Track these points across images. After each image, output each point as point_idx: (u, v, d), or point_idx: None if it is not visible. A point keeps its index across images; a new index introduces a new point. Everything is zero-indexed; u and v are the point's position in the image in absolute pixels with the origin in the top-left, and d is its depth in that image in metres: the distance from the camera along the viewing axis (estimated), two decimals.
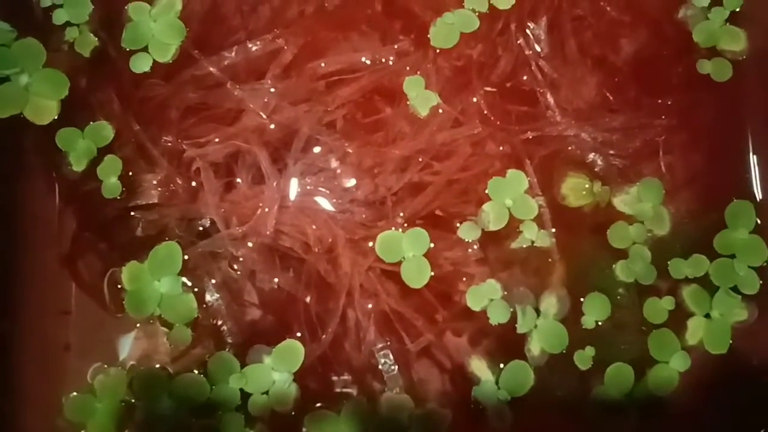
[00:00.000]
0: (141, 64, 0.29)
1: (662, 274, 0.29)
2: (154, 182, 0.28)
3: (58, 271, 0.28)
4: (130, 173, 0.28)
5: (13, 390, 0.27)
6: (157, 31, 0.29)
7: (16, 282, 0.28)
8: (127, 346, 0.27)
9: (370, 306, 0.28)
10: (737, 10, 0.32)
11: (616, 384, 0.28)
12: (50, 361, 0.27)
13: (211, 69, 0.28)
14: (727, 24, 0.32)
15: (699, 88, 0.31)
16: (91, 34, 0.30)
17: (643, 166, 0.31)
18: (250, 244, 0.28)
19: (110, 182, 0.28)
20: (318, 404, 0.27)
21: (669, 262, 0.29)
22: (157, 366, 0.27)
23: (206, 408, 0.26)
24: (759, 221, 0.30)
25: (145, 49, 0.30)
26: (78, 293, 0.28)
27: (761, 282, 0.29)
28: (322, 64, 0.29)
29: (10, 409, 0.27)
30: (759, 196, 0.30)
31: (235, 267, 0.28)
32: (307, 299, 0.28)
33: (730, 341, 0.29)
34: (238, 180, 0.28)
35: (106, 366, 0.27)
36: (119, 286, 0.27)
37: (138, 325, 0.27)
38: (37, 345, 0.28)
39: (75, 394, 0.27)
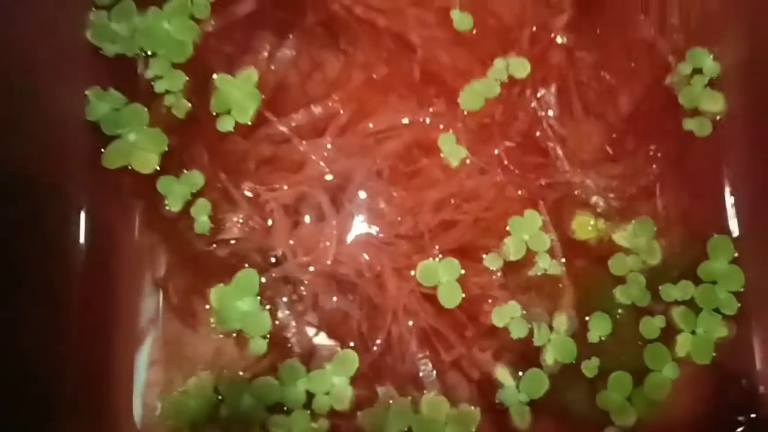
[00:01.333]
0: (226, 125, 0.33)
1: (655, 297, 0.33)
2: (236, 221, 0.32)
3: (154, 294, 0.32)
4: (217, 213, 0.32)
5: (117, 390, 0.31)
6: (238, 98, 0.33)
7: (117, 304, 0.32)
8: (213, 356, 0.31)
9: (411, 323, 0.32)
10: (715, 77, 0.35)
11: (617, 389, 0.31)
12: (148, 371, 0.31)
13: (282, 128, 0.33)
14: (707, 88, 0.35)
15: (684, 142, 0.35)
16: (185, 100, 0.33)
17: (638, 207, 0.34)
18: (313, 270, 0.32)
19: (201, 220, 0.32)
20: (369, 403, 0.31)
21: (660, 287, 0.33)
22: (239, 372, 0.31)
23: (278, 406, 0.31)
24: (737, 254, 0.33)
25: (229, 113, 0.34)
26: (168, 313, 0.32)
27: (739, 304, 0.32)
28: (371, 125, 0.34)
29: (115, 410, 0.32)
30: (736, 232, 0.34)
31: (302, 289, 0.32)
32: (359, 317, 0.32)
33: (713, 354, 0.32)
34: (306, 218, 0.32)
35: (198, 372, 0.31)
36: (207, 306, 0.31)
37: (222, 337, 0.31)
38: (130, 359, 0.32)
39: (173, 394, 0.30)
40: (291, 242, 0.33)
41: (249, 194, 0.33)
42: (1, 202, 0.28)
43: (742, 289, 0.33)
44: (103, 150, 0.33)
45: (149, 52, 0.34)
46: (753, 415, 0.32)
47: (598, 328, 0.32)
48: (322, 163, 0.33)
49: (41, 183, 0.30)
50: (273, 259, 0.33)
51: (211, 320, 0.32)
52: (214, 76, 0.34)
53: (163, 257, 0.33)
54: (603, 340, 0.32)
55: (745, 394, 0.33)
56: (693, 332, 0.32)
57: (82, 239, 0.32)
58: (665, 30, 0.36)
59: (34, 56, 0.31)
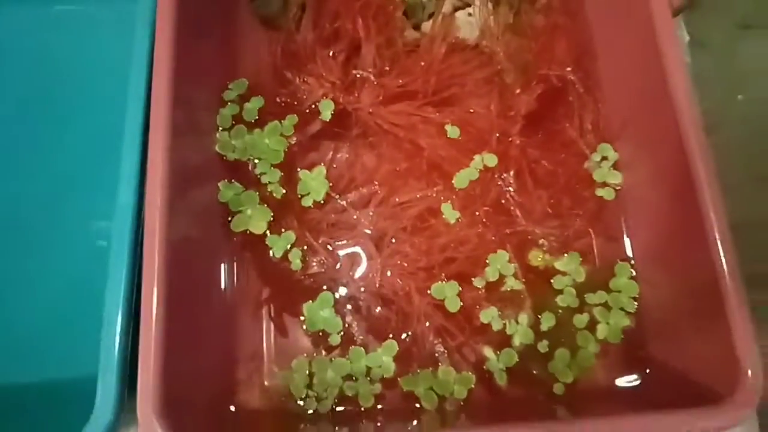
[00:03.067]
0: (307, 202, 0.47)
1: (582, 302, 0.46)
2: (317, 261, 0.47)
3: (257, 315, 0.47)
4: (305, 257, 0.46)
5: (250, 366, 0.45)
6: (314, 185, 0.47)
7: (237, 329, 0.46)
8: (308, 347, 0.45)
9: (428, 323, 0.45)
10: (616, 161, 0.49)
11: (560, 360, 0.44)
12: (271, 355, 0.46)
13: (342, 203, 0.48)
14: (611, 169, 0.49)
15: (597, 204, 0.49)
16: (281, 187, 0.47)
17: (570, 245, 0.47)
18: (365, 291, 0.46)
19: (296, 262, 0.45)
20: (406, 373, 0.44)
21: (585, 295, 0.46)
22: (323, 355, 0.45)
23: (349, 376, 0.44)
24: (634, 273, 0.47)
25: (309, 194, 0.47)
26: (268, 329, 0.47)
27: (636, 305, 0.46)
28: (397, 199, 0.48)
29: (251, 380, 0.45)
30: (632, 260, 0.48)
31: (359, 303, 0.46)
32: (395, 320, 0.46)
33: (622, 336, 0.45)
34: (360, 258, 0.47)
35: (298, 357, 0.45)
36: (301, 318, 0.46)
37: (312, 335, 0.46)
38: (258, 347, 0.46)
39: (284, 370, 0.44)
40: (351, 274, 0.47)
41: (323, 244, 0.47)
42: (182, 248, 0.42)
43: (637, 295, 0.46)
44: (230, 219, 0.47)
45: (256, 158, 0.48)
46: (647, 371, 0.45)
47: (547, 322, 0.45)
48: (367, 224, 0.48)
49: (201, 239, 0.45)
50: (341, 284, 0.47)
51: (303, 325, 0.46)
52: (299, 171, 0.48)
53: (269, 288, 0.47)
54: (550, 329, 0.45)
55: (640, 360, 0.46)
56: (608, 323, 0.45)
57: (223, 274, 0.47)
58: (583, 133, 0.51)
59: (193, 164, 0.46)
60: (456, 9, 0.57)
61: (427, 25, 0.56)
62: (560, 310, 0.46)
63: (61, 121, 0.52)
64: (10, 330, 0.46)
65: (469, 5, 0.57)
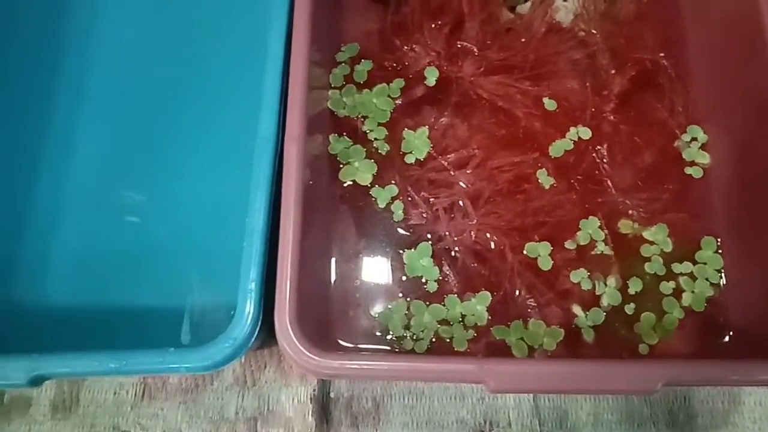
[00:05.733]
0: (409, 159, 0.49)
1: (669, 271, 0.47)
2: (417, 213, 0.49)
3: (358, 261, 0.50)
4: (407, 209, 0.49)
5: (353, 305, 0.48)
6: (417, 144, 0.50)
7: (339, 271, 0.49)
8: (406, 292, 0.47)
9: (520, 280, 0.48)
10: (705, 143, 0.51)
11: (646, 322, 0.46)
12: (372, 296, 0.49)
13: (443, 162, 0.51)
14: (700, 150, 0.51)
15: (686, 181, 0.50)
16: (386, 144, 0.50)
17: (658, 217, 0.49)
18: (461, 246, 0.48)
19: (398, 213, 0.48)
20: (498, 323, 0.46)
21: (672, 264, 0.47)
22: (421, 300, 0.47)
23: (445, 321, 0.46)
24: (719, 247, 0.49)
25: (411, 152, 0.50)
26: (369, 271, 0.49)
27: (721, 277, 0.48)
28: (494, 162, 0.51)
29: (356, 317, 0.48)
30: (718, 235, 0.49)
31: (457, 255, 0.48)
32: (489, 274, 0.48)
33: (705, 305, 0.47)
34: (458, 214, 0.49)
35: (398, 298, 0.47)
36: (402, 264, 0.48)
37: (411, 280, 0.48)
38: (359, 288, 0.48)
39: (384, 310, 0.47)
40: (448, 229, 0.49)
41: (424, 198, 0.50)
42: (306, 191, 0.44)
43: (722, 268, 0.48)
44: (339, 169, 0.51)
45: (364, 116, 0.51)
46: (729, 336, 0.47)
47: (634, 286, 0.46)
48: (466, 183, 0.51)
49: (315, 183, 0.47)
50: (438, 237, 0.49)
51: (402, 274, 0.48)
52: (403, 131, 0.51)
53: (371, 236, 0.50)
54: (637, 293, 0.46)
55: (721, 327, 0.47)
56: (693, 291, 0.47)
57: (329, 221, 0.50)
58: (673, 114, 0.53)
59: (311, 115, 0.48)
60: None
61: (523, 8, 0.59)
62: (647, 277, 0.48)
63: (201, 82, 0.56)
64: (149, 247, 0.49)
65: None
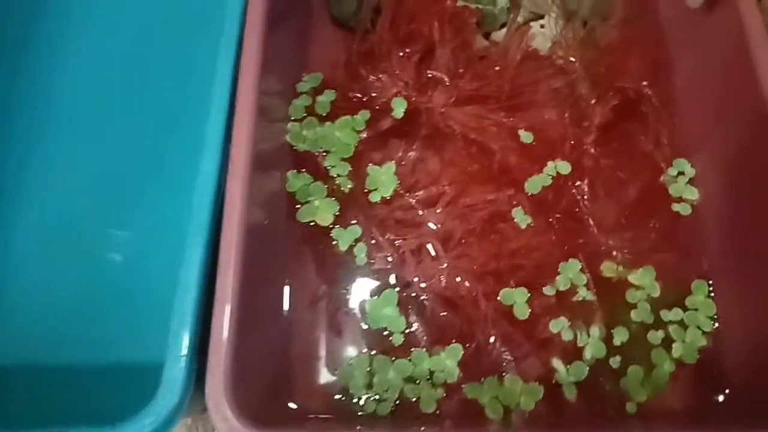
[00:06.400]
0: (375, 197, 0.46)
1: (657, 318, 0.44)
2: (382, 257, 0.45)
3: (317, 310, 0.45)
4: (370, 252, 0.45)
5: (308, 362, 0.44)
6: (383, 180, 0.46)
7: (295, 322, 0.45)
8: (370, 344, 0.44)
9: (495, 330, 0.43)
10: (693, 177, 0.49)
11: (634, 377, 0.42)
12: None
13: (410, 200, 0.47)
14: (688, 185, 0.48)
15: (673, 219, 0.47)
16: (349, 181, 0.47)
17: (644, 259, 0.45)
18: (430, 292, 0.44)
19: (360, 256, 0.45)
20: (470, 380, 0.42)
21: (660, 311, 0.44)
22: (386, 355, 0.43)
23: (411, 378, 0.42)
24: (711, 291, 0.45)
25: (377, 189, 0.46)
26: (328, 321, 0.45)
27: (714, 325, 0.44)
28: (467, 199, 0.47)
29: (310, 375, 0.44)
30: (710, 278, 0.46)
31: (425, 303, 0.44)
32: (460, 324, 0.44)
33: (698, 356, 0.43)
34: (426, 257, 0.45)
35: (360, 354, 0.43)
36: (365, 314, 0.44)
37: (374, 332, 0.44)
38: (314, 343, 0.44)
39: (344, 366, 0.43)
40: (416, 273, 0.45)
41: (390, 240, 0.46)
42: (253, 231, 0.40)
43: (715, 315, 0.45)
44: (297, 209, 0.46)
45: (326, 150, 0.48)
46: (725, 392, 0.43)
47: (620, 337, 0.43)
48: (435, 223, 0.47)
49: (267, 226, 0.44)
50: (405, 282, 0.45)
51: (364, 323, 0.44)
52: (368, 166, 0.48)
53: (332, 282, 0.46)
54: (623, 344, 0.43)
55: (716, 381, 0.44)
56: (683, 342, 0.43)
57: (283, 266, 0.46)
58: (659, 146, 0.50)
59: (266, 150, 0.45)
60: (528, 20, 0.57)
61: (498, 35, 0.56)
62: (634, 325, 0.45)
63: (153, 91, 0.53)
64: (77, 304, 0.45)
65: (542, 17, 0.57)
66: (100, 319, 0.45)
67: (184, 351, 0.34)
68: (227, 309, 0.35)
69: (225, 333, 0.35)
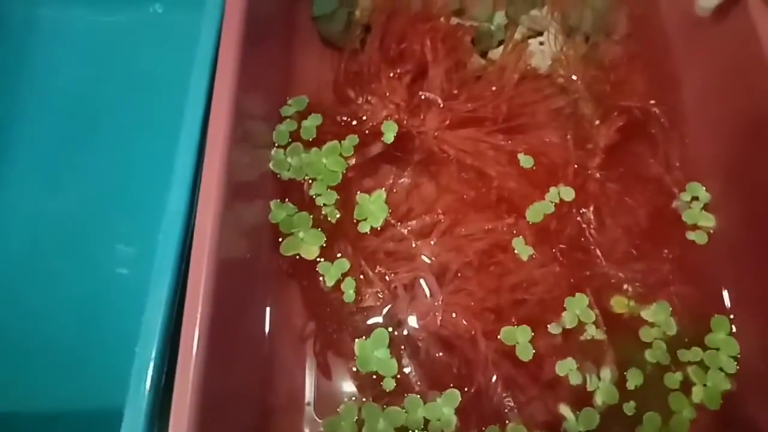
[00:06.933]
0: (364, 228, 0.43)
1: (674, 358, 0.41)
2: (372, 293, 0.42)
3: (302, 350, 0.42)
4: (360, 288, 0.42)
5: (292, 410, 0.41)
6: (372, 210, 0.44)
7: (278, 365, 0.42)
8: (358, 390, 0.40)
9: (496, 373, 0.40)
10: (708, 202, 0.46)
11: (650, 425, 0.39)
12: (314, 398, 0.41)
13: (402, 231, 0.44)
14: (703, 211, 0.45)
15: (688, 248, 0.45)
16: (337, 211, 0.43)
17: (657, 292, 0.43)
18: (425, 331, 0.41)
19: (349, 293, 0.41)
20: (470, 429, 0.39)
21: (677, 351, 0.41)
22: (376, 402, 0.39)
23: (404, 428, 0.39)
24: (733, 329, 0.42)
25: (366, 220, 0.43)
26: (314, 365, 0.42)
27: (737, 366, 0.41)
28: (463, 229, 0.44)
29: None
30: (731, 314, 0.43)
31: (419, 344, 0.41)
32: (458, 366, 0.40)
33: (721, 401, 0.40)
34: (421, 293, 0.42)
35: (346, 402, 0.40)
36: (354, 358, 0.40)
37: (364, 376, 0.40)
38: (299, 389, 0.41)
39: (330, 417, 0.39)
40: (409, 310, 0.42)
41: (380, 275, 0.43)
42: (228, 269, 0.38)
43: (738, 355, 0.41)
44: (280, 242, 0.43)
45: (312, 178, 0.45)
46: None
47: (634, 380, 0.40)
48: (429, 256, 0.43)
49: (247, 261, 0.41)
50: (397, 320, 0.41)
51: (353, 366, 0.41)
52: (357, 195, 0.45)
53: (318, 320, 0.43)
54: (637, 388, 0.40)
55: (742, 430, 0.40)
56: (705, 385, 0.40)
57: (267, 303, 0.43)
58: (670, 169, 0.47)
59: (246, 179, 0.42)
60: (527, 37, 0.54)
61: (495, 53, 0.53)
62: (649, 367, 0.41)
63: (119, 128, 0.50)
64: (37, 352, 0.41)
65: (540, 34, 0.54)
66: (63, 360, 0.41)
67: (144, 400, 0.30)
68: (193, 354, 0.32)
69: (190, 377, 0.31)
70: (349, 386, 0.41)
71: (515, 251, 0.44)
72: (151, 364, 0.31)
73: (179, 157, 0.36)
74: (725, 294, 0.44)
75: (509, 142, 0.48)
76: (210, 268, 0.34)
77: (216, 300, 0.34)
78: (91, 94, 0.51)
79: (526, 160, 0.47)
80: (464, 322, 0.42)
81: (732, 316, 0.43)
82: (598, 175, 0.47)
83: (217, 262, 0.34)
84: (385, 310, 0.42)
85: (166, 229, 0.34)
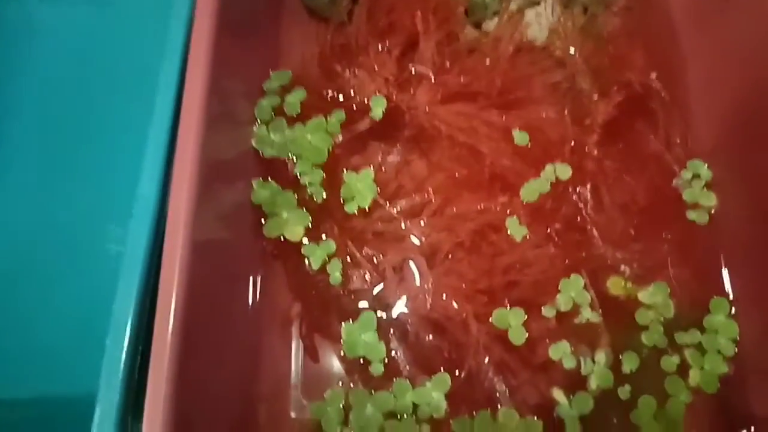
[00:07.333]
0: (351, 208, 0.42)
1: (671, 341, 0.39)
2: (360, 276, 0.41)
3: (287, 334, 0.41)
4: (347, 270, 0.41)
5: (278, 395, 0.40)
6: (360, 189, 0.42)
7: (262, 350, 0.41)
8: (346, 374, 0.39)
9: (488, 356, 0.39)
10: (709, 180, 0.44)
11: (645, 409, 0.38)
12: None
13: (391, 210, 0.42)
14: (704, 189, 0.44)
15: (688, 228, 0.43)
16: (322, 190, 0.42)
17: (655, 274, 0.41)
18: (414, 315, 0.40)
19: (335, 275, 0.40)
20: (459, 414, 0.38)
21: (675, 334, 0.40)
22: (363, 387, 0.39)
23: (392, 413, 0.38)
24: (732, 310, 0.41)
25: (353, 199, 0.42)
26: (301, 349, 0.41)
27: (735, 349, 0.40)
28: (454, 209, 0.43)
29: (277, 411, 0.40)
30: (731, 295, 0.42)
31: (408, 327, 0.40)
32: (449, 350, 0.39)
33: (718, 385, 0.39)
34: (410, 275, 0.41)
35: (334, 386, 0.39)
36: (341, 342, 0.39)
37: (351, 360, 0.39)
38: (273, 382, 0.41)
39: (317, 402, 0.38)
40: (398, 293, 0.41)
41: (368, 257, 0.41)
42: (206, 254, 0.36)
43: (737, 337, 0.40)
44: (263, 223, 0.42)
45: (296, 155, 0.43)
46: (751, 428, 0.38)
47: (629, 363, 0.39)
48: (419, 236, 0.42)
49: (228, 244, 0.40)
50: (386, 304, 0.40)
51: (340, 350, 0.40)
52: (344, 173, 0.43)
53: (304, 304, 0.41)
54: (633, 372, 0.39)
55: (739, 415, 0.39)
56: (702, 368, 0.39)
57: (250, 286, 0.42)
58: (670, 146, 0.45)
59: (226, 158, 0.41)
60: (523, 8, 0.51)
61: (489, 24, 0.51)
62: (645, 350, 0.40)
63: (89, 111, 0.48)
64: (18, 339, 0.40)
65: (537, 4, 0.51)
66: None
67: (116, 391, 0.28)
68: (167, 342, 0.30)
69: (165, 366, 0.30)
70: (337, 369, 0.40)
71: (509, 231, 0.42)
72: (123, 357, 0.29)
73: (150, 139, 0.34)
74: (725, 275, 0.43)
75: (503, 117, 0.45)
76: (185, 252, 0.32)
77: (192, 285, 0.33)
78: (72, 91, 0.49)
79: (521, 137, 0.44)
80: (455, 304, 0.41)
81: (731, 298, 0.42)
82: (595, 152, 0.45)
83: (192, 246, 0.33)
84: (373, 293, 0.41)
85: (138, 215, 0.32)
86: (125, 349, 0.30)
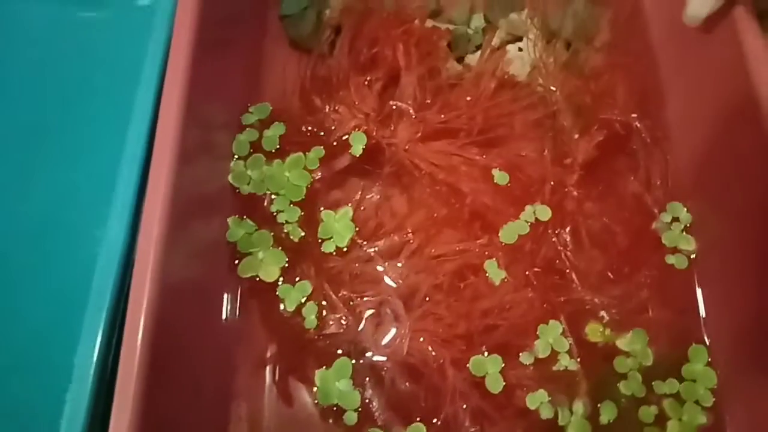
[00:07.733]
0: (328, 248, 0.41)
1: (649, 390, 0.39)
2: (336, 319, 0.40)
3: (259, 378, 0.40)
4: (322, 313, 0.40)
5: None
6: (338, 228, 0.41)
7: (233, 395, 0.39)
8: (318, 422, 0.38)
9: (465, 404, 0.38)
10: (689, 224, 0.44)
11: None
12: None
13: (369, 251, 0.42)
14: (683, 233, 0.43)
15: (667, 272, 0.43)
16: (299, 229, 0.41)
17: (634, 320, 0.41)
18: (391, 360, 0.39)
19: (310, 319, 0.39)
20: None
21: (653, 383, 0.39)
22: None
23: None
24: (710, 359, 0.40)
25: (331, 239, 0.41)
26: (274, 396, 0.39)
27: (714, 399, 0.39)
28: (433, 250, 0.42)
29: None
30: (707, 342, 0.41)
31: (383, 374, 0.39)
32: (425, 397, 0.38)
33: None
34: (386, 319, 0.40)
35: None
36: (314, 388, 0.39)
37: (325, 408, 0.38)
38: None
39: None
40: (375, 338, 0.40)
41: (345, 299, 0.40)
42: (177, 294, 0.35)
43: (715, 387, 0.39)
44: (238, 263, 0.41)
45: (274, 193, 0.43)
46: None
47: (607, 413, 0.38)
48: (396, 278, 0.41)
49: (201, 284, 0.39)
50: (363, 348, 0.39)
51: (314, 397, 0.39)
52: (321, 211, 0.43)
53: (279, 348, 0.40)
54: (611, 422, 0.38)
55: None
56: (680, 419, 0.39)
57: (223, 325, 0.40)
58: (650, 188, 0.45)
59: (201, 194, 0.40)
60: (505, 43, 0.51)
61: (471, 59, 0.50)
62: (623, 399, 0.39)
63: (61, 135, 0.45)
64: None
65: (520, 39, 0.51)
66: None
67: None
68: (131, 390, 0.29)
69: (129, 407, 0.28)
70: (311, 414, 0.39)
71: (487, 274, 0.42)
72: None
73: (120, 178, 0.33)
74: (703, 322, 0.42)
75: (484, 156, 0.45)
76: (152, 295, 0.31)
77: (160, 326, 0.31)
78: (36, 95, 0.46)
79: (501, 177, 0.44)
80: (431, 350, 0.40)
81: (710, 346, 0.41)
82: (575, 193, 0.45)
83: (160, 289, 0.32)
84: (349, 338, 0.40)
85: (106, 254, 0.31)
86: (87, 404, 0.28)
